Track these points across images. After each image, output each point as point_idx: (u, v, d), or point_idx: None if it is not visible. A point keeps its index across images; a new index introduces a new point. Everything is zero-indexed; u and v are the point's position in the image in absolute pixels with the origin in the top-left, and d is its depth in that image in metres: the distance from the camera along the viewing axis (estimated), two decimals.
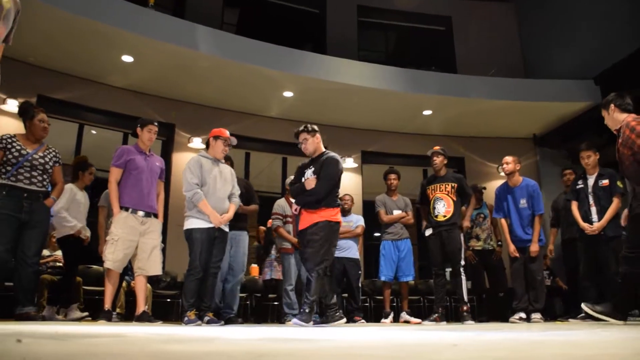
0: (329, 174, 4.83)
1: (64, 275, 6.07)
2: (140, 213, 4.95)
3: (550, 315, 7.41)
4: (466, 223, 6.55)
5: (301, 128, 5.09)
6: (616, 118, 4.40)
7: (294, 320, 4.62)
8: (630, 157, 4.16)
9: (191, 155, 5.49)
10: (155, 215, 5.12)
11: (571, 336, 2.34)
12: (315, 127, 5.07)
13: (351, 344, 1.84)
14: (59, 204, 5.59)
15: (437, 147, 6.49)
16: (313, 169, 4.94)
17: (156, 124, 5.28)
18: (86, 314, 6.03)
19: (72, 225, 5.74)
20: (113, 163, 5.00)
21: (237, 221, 5.66)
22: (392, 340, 2.15)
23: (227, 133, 5.28)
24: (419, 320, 6.69)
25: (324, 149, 5.14)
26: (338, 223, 4.88)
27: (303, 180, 4.98)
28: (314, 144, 5.06)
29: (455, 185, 6.29)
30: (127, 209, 4.90)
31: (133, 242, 4.90)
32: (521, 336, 2.38)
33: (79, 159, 6.32)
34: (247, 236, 6.20)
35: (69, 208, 5.81)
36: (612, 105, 4.43)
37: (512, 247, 6.39)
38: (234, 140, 5.29)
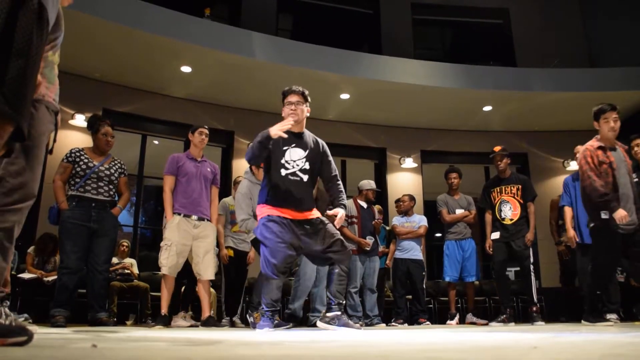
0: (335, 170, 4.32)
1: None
2: (194, 217, 5.00)
3: (627, 316, 7.03)
4: (530, 236, 6.01)
5: (296, 88, 4.05)
6: None
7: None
8: None
9: None
10: (209, 220, 5.16)
11: None
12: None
13: (426, 347, 1.78)
14: None
15: (498, 148, 6.26)
16: (302, 151, 4.05)
17: (206, 127, 5.36)
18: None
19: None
20: (165, 171, 5.09)
21: None
22: (467, 342, 2.08)
23: None
24: (485, 322, 6.53)
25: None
26: None
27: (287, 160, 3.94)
28: (304, 113, 4.02)
29: (520, 186, 6.11)
30: (179, 214, 4.95)
31: (186, 247, 4.93)
32: (602, 337, 2.26)
33: None
34: None
35: None
36: None
37: (571, 232, 5.71)
38: None
